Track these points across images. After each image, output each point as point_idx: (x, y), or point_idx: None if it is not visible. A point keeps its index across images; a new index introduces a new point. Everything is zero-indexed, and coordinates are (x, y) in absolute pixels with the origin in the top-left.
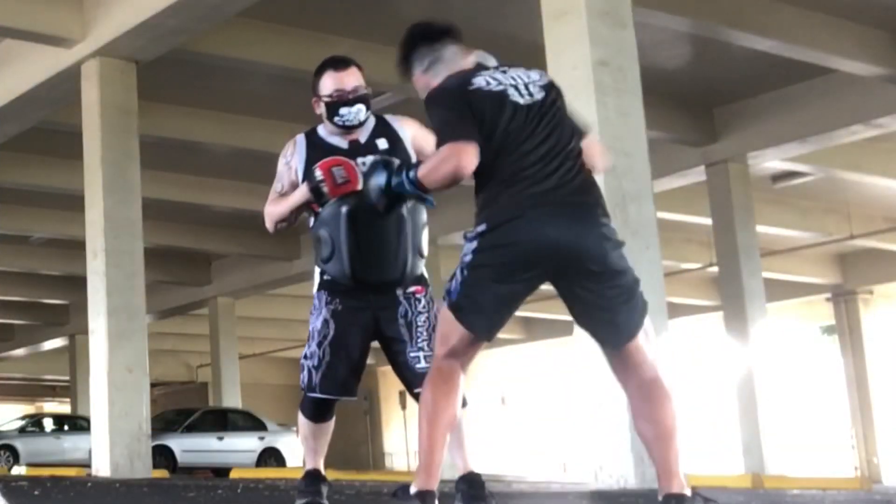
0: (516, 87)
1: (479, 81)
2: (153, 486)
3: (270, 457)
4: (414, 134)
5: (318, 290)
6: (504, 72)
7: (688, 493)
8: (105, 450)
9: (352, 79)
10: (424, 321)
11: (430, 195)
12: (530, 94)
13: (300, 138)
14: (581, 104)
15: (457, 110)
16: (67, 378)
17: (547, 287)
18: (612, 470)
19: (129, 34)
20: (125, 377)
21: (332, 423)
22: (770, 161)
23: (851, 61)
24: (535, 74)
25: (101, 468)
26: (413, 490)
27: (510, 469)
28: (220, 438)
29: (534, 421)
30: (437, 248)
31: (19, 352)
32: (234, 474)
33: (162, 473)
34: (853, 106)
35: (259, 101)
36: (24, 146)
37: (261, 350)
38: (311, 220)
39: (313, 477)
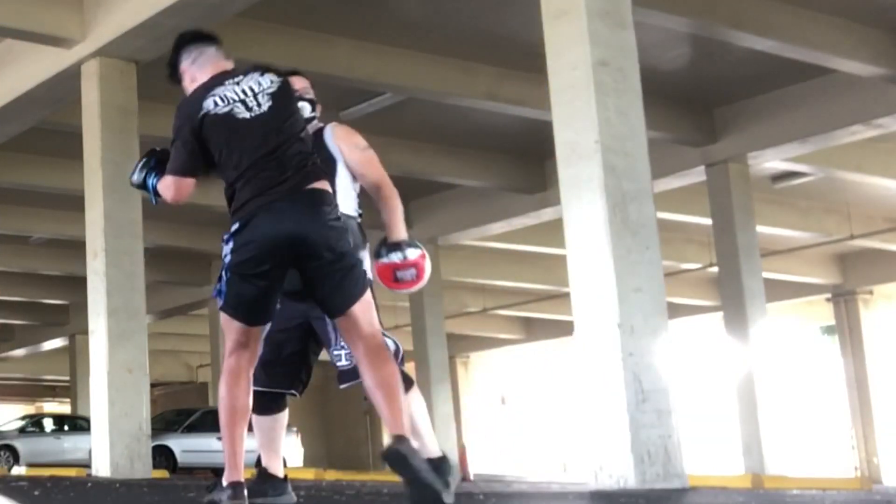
0: (244, 102)
1: (209, 104)
2: (153, 486)
3: None
4: (336, 135)
5: None
6: (238, 83)
7: (408, 434)
8: (105, 450)
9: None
10: None
11: (158, 198)
12: (258, 105)
13: None
14: (581, 104)
15: (181, 139)
16: (67, 378)
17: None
18: (612, 470)
19: (128, 34)
20: (125, 377)
21: (278, 418)
22: (770, 161)
23: (851, 61)
24: (266, 81)
25: (101, 468)
26: (224, 483)
27: (510, 469)
28: (220, 438)
29: (534, 421)
30: (437, 247)
31: (19, 352)
32: None
33: (162, 473)
34: (853, 106)
35: None
36: (24, 146)
37: None
38: None
39: (258, 476)
